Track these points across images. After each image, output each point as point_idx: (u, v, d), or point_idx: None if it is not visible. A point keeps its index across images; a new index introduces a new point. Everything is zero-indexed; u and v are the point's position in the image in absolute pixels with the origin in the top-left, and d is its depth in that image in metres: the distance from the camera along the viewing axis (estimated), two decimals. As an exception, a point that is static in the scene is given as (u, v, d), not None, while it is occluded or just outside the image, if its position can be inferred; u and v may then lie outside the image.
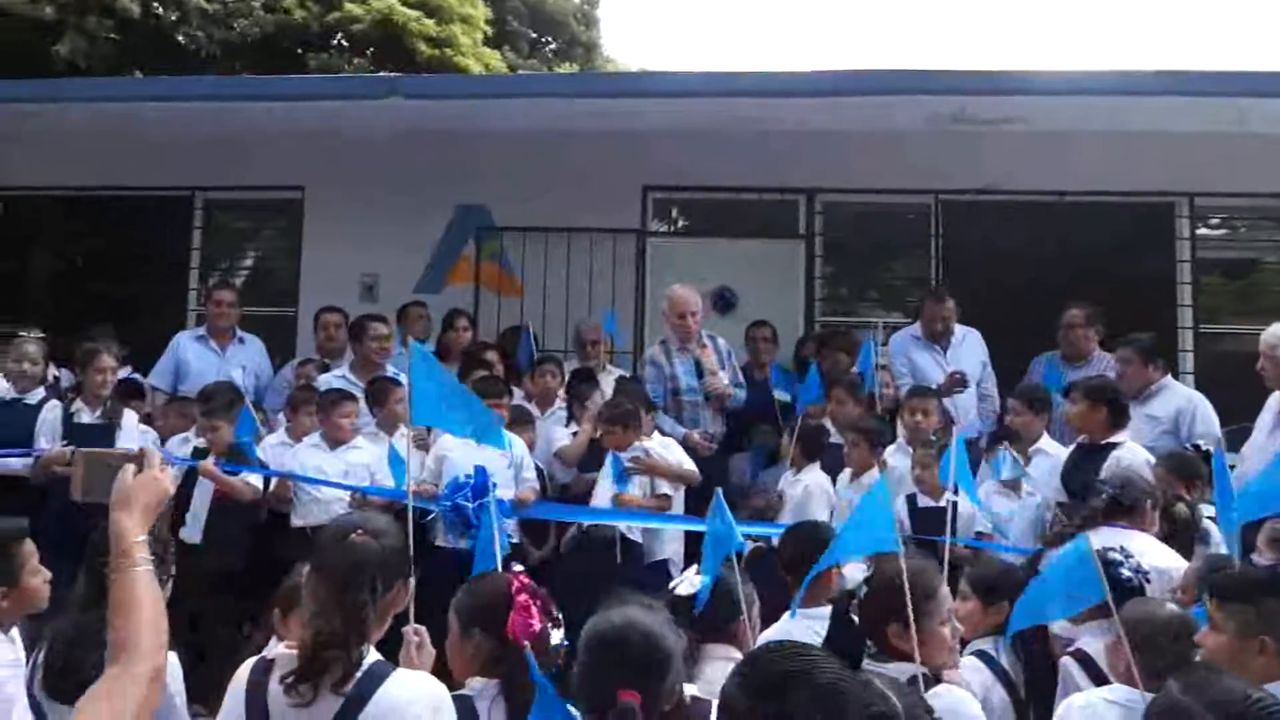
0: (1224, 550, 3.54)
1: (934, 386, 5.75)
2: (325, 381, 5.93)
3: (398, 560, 2.21)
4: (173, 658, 2.52)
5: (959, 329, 6.17)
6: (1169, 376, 5.49)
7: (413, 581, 2.28)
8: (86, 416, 5.45)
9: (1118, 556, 3.07)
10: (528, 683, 2.13)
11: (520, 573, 2.46)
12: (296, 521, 5.17)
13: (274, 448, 5.53)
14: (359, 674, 2.01)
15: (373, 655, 2.07)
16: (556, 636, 2.38)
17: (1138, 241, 7.12)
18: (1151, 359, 5.39)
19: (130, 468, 1.84)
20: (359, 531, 2.15)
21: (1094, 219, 7.03)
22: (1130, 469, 4.02)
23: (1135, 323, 6.05)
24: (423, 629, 2.45)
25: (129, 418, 5.57)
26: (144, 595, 1.70)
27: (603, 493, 5.20)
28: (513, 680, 2.29)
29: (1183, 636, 2.58)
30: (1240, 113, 6.28)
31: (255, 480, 5.23)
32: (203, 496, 5.25)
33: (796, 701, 1.48)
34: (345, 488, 5.10)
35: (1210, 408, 5.27)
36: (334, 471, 5.23)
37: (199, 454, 5.44)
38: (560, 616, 2.44)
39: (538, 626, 2.33)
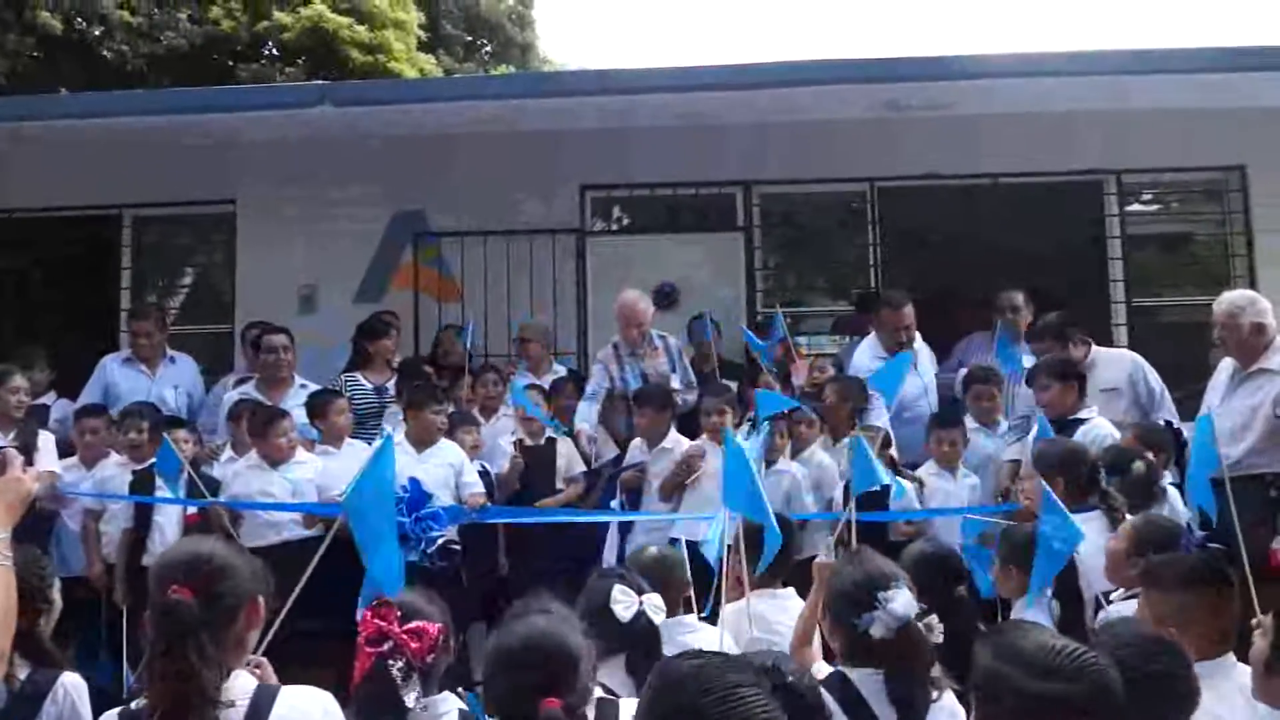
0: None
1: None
2: (228, 399, 5.83)
3: (232, 591, 1.96)
4: (78, 679, 2.39)
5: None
6: (1092, 348, 5.34)
7: (263, 599, 2.05)
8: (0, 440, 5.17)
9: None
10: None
11: (382, 608, 2.27)
12: (245, 544, 5.00)
13: (223, 467, 5.39)
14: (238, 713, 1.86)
15: (247, 684, 1.92)
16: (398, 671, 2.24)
17: (1069, 220, 7.24)
18: (1064, 339, 5.15)
19: None
20: (173, 587, 1.88)
21: (1027, 200, 7.12)
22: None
23: (1070, 300, 6.14)
24: (264, 664, 2.24)
25: (45, 440, 5.35)
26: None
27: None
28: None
29: None
30: (1157, 90, 6.40)
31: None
32: (170, 523, 5.12)
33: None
34: (275, 508, 4.94)
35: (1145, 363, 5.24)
36: (280, 492, 5.06)
37: (139, 479, 5.28)
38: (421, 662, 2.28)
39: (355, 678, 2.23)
